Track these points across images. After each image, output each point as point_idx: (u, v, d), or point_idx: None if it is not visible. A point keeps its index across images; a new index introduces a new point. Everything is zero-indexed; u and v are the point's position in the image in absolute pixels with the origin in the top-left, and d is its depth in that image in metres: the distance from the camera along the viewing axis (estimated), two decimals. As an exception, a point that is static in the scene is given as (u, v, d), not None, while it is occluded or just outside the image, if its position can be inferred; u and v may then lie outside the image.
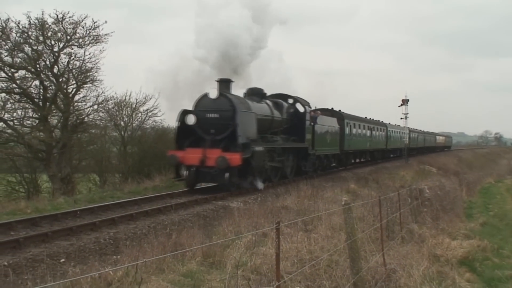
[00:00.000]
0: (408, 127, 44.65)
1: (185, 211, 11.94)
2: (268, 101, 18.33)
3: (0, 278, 6.86)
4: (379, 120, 38.62)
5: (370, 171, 27.07)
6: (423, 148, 56.84)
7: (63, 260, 7.78)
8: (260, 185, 15.83)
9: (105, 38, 21.77)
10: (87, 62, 21.78)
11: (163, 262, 6.67)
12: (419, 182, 19.15)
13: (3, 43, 19.72)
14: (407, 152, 41.28)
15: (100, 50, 22.01)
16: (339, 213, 8.77)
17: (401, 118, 41.62)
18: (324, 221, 9.23)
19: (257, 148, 15.14)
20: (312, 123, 20.70)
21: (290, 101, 20.12)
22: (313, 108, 22.43)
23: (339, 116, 26.52)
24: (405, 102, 40.99)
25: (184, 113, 15.68)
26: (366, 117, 34.23)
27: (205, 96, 15.40)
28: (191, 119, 15.28)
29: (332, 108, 27.31)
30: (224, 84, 16.00)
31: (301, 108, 19.96)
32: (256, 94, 18.17)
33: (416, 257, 7.54)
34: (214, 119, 15.15)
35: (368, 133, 32.32)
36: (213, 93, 15.22)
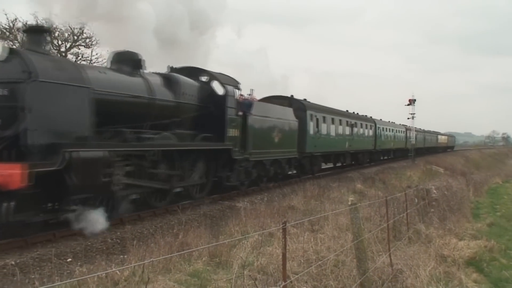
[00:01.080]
0: (405, 125, 43.25)
1: (192, 211, 11.95)
2: (149, 75, 11.51)
3: (8, 277, 6.90)
4: (365, 115, 32.20)
5: (377, 171, 27.03)
6: (422, 149, 49.81)
7: (70, 259, 7.80)
8: (97, 225, 8.91)
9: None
10: (94, 62, 21.97)
11: (169, 262, 6.69)
12: (426, 182, 19.05)
13: (11, 43, 19.89)
14: (402, 153, 41.04)
15: (107, 50, 22.15)
16: (345, 213, 8.76)
17: (408, 118, 41.50)
18: (330, 221, 9.23)
19: (81, 153, 8.38)
20: (241, 113, 14.18)
21: (204, 78, 13.64)
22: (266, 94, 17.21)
23: (300, 106, 19.83)
24: (412, 102, 40.77)
25: None
26: (347, 111, 28.46)
27: None
28: None
29: (292, 96, 20.59)
30: (34, 37, 8.90)
31: (220, 90, 13.34)
32: (125, 61, 10.98)
33: (423, 257, 7.52)
34: None
35: (348, 130, 26.11)
36: None
